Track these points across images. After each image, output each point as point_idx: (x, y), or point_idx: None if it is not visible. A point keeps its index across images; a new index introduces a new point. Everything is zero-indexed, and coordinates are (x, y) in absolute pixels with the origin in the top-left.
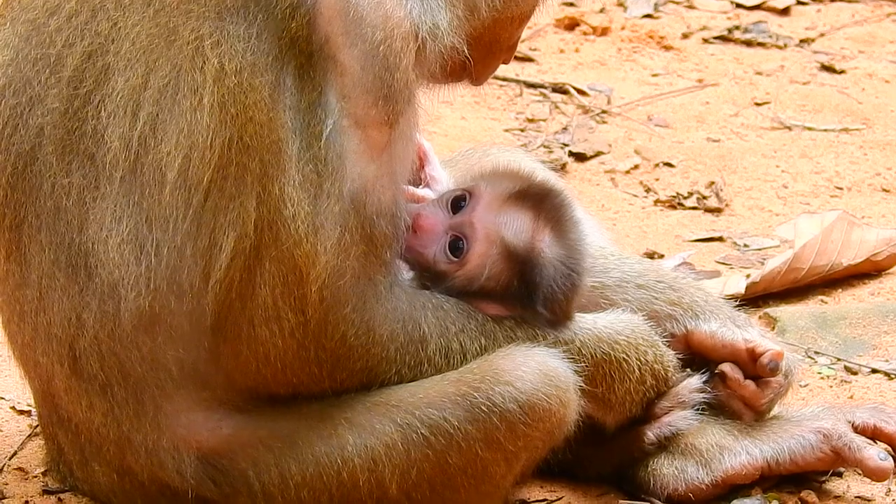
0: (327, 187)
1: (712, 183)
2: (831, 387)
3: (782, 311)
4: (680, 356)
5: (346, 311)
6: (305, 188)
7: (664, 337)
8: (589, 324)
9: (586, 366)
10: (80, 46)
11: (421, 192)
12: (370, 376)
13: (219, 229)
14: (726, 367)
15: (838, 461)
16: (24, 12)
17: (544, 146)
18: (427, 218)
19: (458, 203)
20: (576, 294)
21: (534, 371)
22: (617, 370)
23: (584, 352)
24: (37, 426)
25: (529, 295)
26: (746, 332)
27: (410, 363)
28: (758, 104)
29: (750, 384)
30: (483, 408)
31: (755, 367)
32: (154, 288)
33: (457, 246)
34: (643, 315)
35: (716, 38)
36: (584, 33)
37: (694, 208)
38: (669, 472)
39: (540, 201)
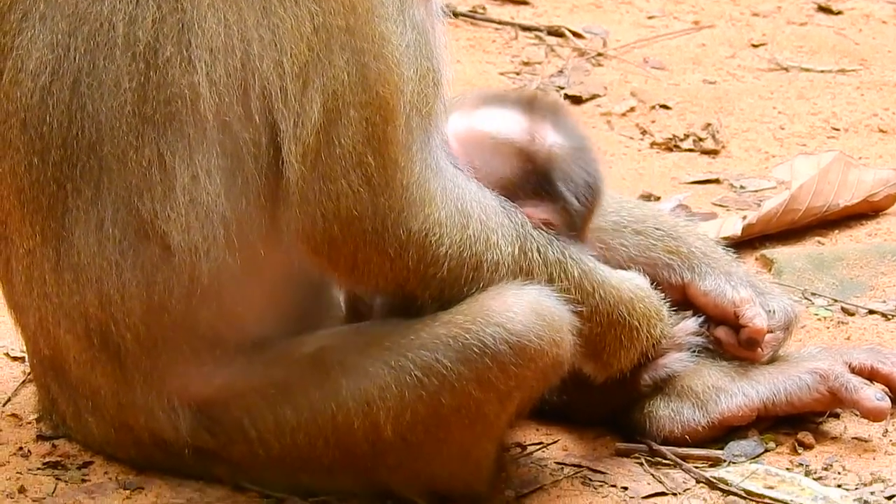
0: (407, 15)
1: (709, 125)
2: (828, 328)
3: (779, 253)
4: (675, 304)
5: (414, 148)
6: (395, 20)
7: (661, 285)
8: (614, 280)
9: (599, 323)
10: (150, 16)
11: None
12: (425, 244)
13: (308, 102)
14: (721, 334)
15: (835, 402)
16: (55, 9)
17: (540, 89)
18: None
19: None
20: (602, 182)
21: (525, 311)
22: (627, 336)
23: (601, 308)
24: (30, 373)
25: (557, 191)
26: (739, 291)
27: (456, 239)
28: (754, 45)
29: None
30: (475, 349)
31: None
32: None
33: None
34: (640, 261)
35: None
36: None
37: (690, 150)
38: (665, 414)
39: (526, 101)
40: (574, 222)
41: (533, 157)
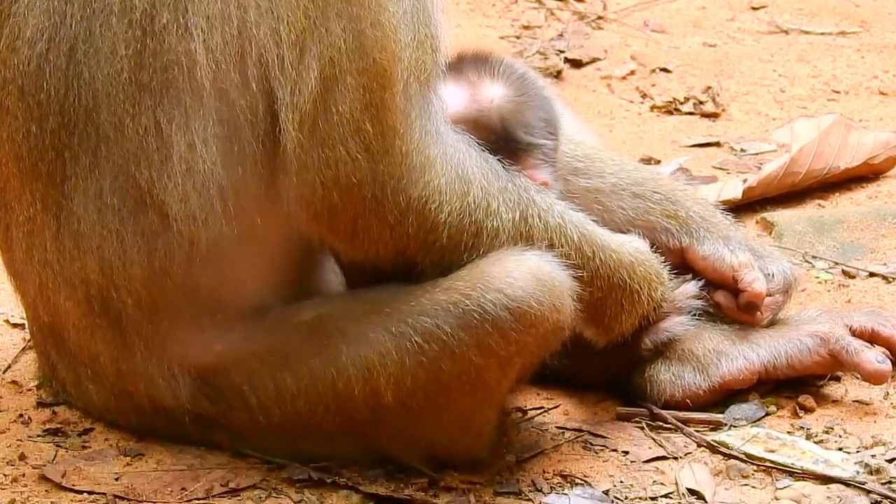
0: None
1: (709, 88)
2: (829, 291)
3: (779, 216)
4: (675, 268)
5: (412, 115)
6: None
7: (659, 248)
8: (614, 244)
9: (600, 287)
10: None
11: None
12: (425, 210)
13: (305, 69)
14: (720, 298)
15: (836, 365)
16: None
17: (540, 53)
18: None
19: None
20: (554, 106)
21: (525, 277)
22: (628, 300)
23: (601, 272)
24: (30, 340)
25: (525, 142)
26: (738, 255)
27: (456, 206)
28: (754, 8)
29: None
30: (475, 315)
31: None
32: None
33: None
34: (638, 224)
35: None
36: None
37: (690, 113)
38: (666, 378)
39: (454, 66)
40: (553, 157)
41: (488, 124)
